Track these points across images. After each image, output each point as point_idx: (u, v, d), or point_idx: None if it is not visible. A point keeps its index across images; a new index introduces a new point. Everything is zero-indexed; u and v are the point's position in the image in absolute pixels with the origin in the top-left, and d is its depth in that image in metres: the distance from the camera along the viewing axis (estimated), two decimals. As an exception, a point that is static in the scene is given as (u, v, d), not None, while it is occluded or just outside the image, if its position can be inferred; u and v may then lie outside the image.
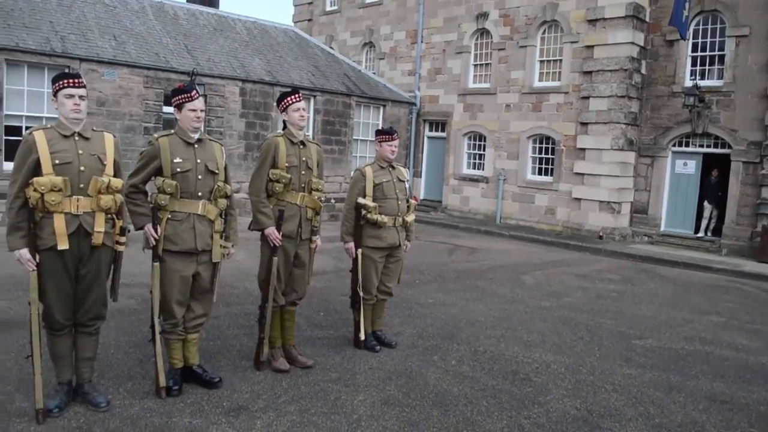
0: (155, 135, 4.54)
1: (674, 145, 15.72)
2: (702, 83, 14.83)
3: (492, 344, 6.44)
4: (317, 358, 5.53)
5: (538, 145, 17.61)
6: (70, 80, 4.00)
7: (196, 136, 4.55)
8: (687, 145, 15.60)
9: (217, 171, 4.60)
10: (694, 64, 15.37)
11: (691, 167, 15.53)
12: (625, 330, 7.41)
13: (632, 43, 15.42)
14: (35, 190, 3.85)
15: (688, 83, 15.08)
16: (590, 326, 7.47)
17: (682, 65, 15.41)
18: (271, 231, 4.99)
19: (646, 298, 9.53)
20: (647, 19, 15.77)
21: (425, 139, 20.68)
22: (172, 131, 4.56)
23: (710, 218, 15.41)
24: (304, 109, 5.17)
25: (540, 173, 17.60)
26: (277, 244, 5.03)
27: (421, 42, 20.32)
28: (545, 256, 13.36)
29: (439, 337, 6.54)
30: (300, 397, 4.73)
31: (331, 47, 22.14)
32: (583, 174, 16.33)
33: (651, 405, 5.07)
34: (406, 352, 5.95)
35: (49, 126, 4.07)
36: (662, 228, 15.98)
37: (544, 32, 17.35)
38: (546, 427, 4.49)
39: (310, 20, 24.41)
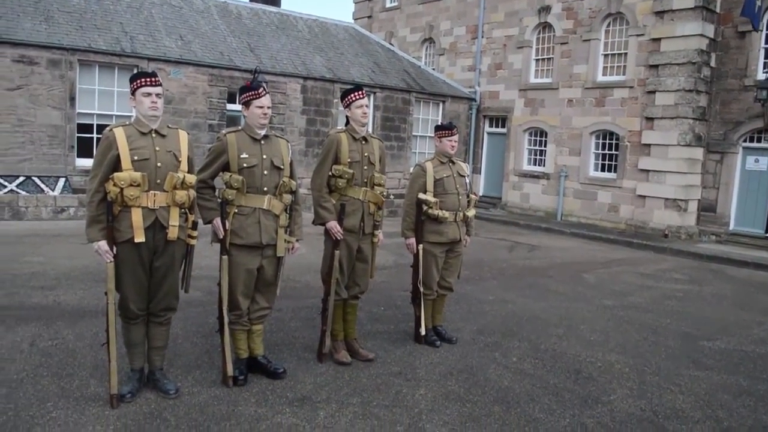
0: (223, 131, 4.66)
1: (745, 141, 15.15)
2: (775, 76, 14.25)
3: (554, 342, 6.37)
4: (378, 352, 5.58)
5: (601, 141, 17.25)
6: (147, 79, 4.15)
7: (263, 132, 4.65)
8: (759, 140, 14.99)
9: (282, 167, 4.68)
10: (767, 56, 14.76)
11: (763, 164, 14.93)
12: (691, 331, 7.21)
13: (701, 35, 14.91)
14: (115, 184, 4.01)
15: (761, 76, 14.51)
16: (655, 326, 7.30)
17: (754, 58, 14.82)
18: (333, 225, 5.06)
19: (714, 299, 9.24)
20: (717, 10, 15.22)
21: (485, 135, 20.52)
22: (240, 128, 4.68)
23: (783, 217, 14.81)
24: (366, 106, 5.22)
25: (603, 170, 17.23)
26: (339, 238, 5.09)
27: (482, 37, 20.16)
28: (608, 254, 13.09)
29: (499, 334, 6.51)
30: (362, 389, 4.79)
31: (390, 44, 22.20)
32: (648, 170, 15.91)
33: (719, 408, 4.93)
34: (467, 348, 5.95)
35: (127, 123, 4.23)
36: (731, 227, 15.44)
37: (608, 25, 16.97)
38: (610, 427, 4.42)
39: (370, 17, 24.52)
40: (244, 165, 4.52)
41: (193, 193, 4.30)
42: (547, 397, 4.90)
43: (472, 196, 6.13)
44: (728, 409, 4.91)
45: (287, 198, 4.73)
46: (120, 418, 4.03)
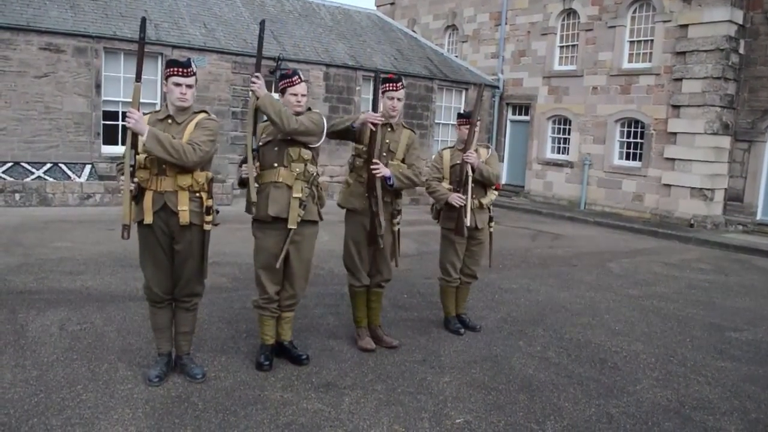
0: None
1: (774, 129, 14.91)
2: (807, 63, 13.96)
3: (578, 331, 6.33)
4: (402, 339, 5.59)
5: (626, 129, 17.06)
6: (180, 69, 4.17)
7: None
8: (788, 129, 14.75)
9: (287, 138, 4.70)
10: (798, 43, 14.48)
11: (792, 153, 14.68)
12: (718, 321, 7.13)
13: (730, 21, 14.63)
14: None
15: (792, 63, 14.24)
16: (681, 316, 7.23)
17: (784, 44, 14.54)
18: (368, 115, 4.91)
19: (741, 289, 9.12)
20: (747, -4, 14.95)
21: (508, 122, 20.37)
22: None
23: (812, 207, 14.55)
24: (399, 99, 5.16)
25: (627, 158, 17.05)
26: (378, 122, 4.94)
27: (505, 24, 19.97)
28: (632, 243, 12.97)
29: (523, 323, 6.49)
30: (386, 376, 4.81)
31: (413, 31, 22.08)
32: (674, 159, 15.71)
33: (747, 399, 4.87)
34: (491, 337, 5.94)
35: (156, 111, 4.36)
36: (758, 216, 15.19)
37: (634, 11, 16.73)
38: (636, 417, 4.40)
39: (392, 4, 24.39)
40: (261, 143, 4.61)
41: (202, 177, 4.25)
42: (572, 386, 4.88)
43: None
44: (756, 401, 4.86)
45: (298, 167, 4.61)
46: (148, 402, 4.09)
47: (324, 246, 9.18)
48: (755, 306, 8.04)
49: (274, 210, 4.57)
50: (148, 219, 4.17)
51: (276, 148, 4.61)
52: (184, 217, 4.22)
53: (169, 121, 4.24)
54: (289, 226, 4.61)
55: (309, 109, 4.71)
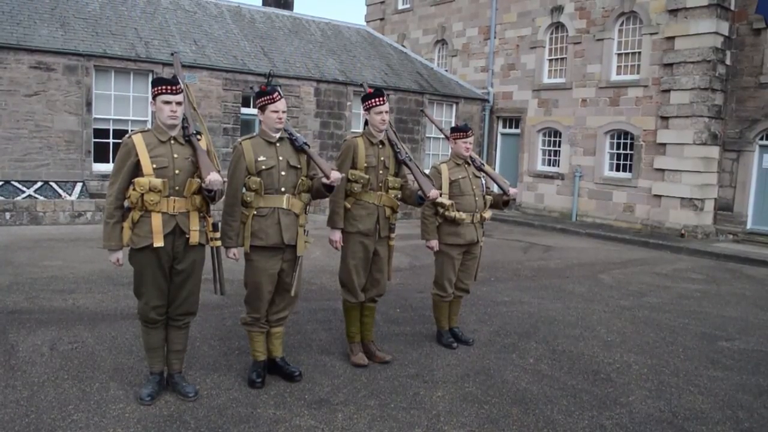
0: (238, 140, 4.68)
1: (762, 139, 15.00)
2: (792, 73, 14.10)
3: (571, 343, 6.34)
4: (395, 354, 5.59)
5: (615, 141, 17.16)
6: (168, 87, 4.13)
7: (278, 135, 4.67)
8: (776, 138, 14.88)
9: (299, 166, 4.68)
10: (783, 53, 14.63)
11: (780, 162, 14.81)
12: (710, 331, 7.15)
13: (716, 32, 14.79)
14: (134, 189, 4.06)
15: (777, 74, 14.38)
16: (673, 327, 7.25)
17: (770, 55, 14.70)
18: (338, 238, 5.15)
19: (732, 298, 9.16)
20: (732, 8, 15.09)
21: (498, 135, 20.46)
22: (255, 134, 4.71)
23: (802, 215, 14.64)
24: (386, 112, 5.14)
25: (618, 169, 17.14)
26: (338, 249, 5.24)
27: (494, 38, 20.12)
28: (624, 254, 13.02)
29: (516, 336, 6.49)
30: (379, 391, 4.80)
31: (403, 46, 22.20)
32: (663, 170, 15.81)
33: (740, 409, 4.89)
34: (484, 350, 5.94)
35: (147, 129, 4.27)
36: (748, 226, 15.28)
37: (621, 24, 16.89)
38: (629, 428, 4.40)
39: (382, 19, 24.55)
40: (263, 167, 4.54)
41: (199, 198, 4.29)
42: (565, 398, 4.89)
43: (488, 197, 6.09)
44: (748, 410, 4.87)
45: (306, 197, 4.75)
46: (140, 421, 4.07)
47: (316, 261, 9.21)
48: (747, 315, 8.07)
49: (287, 237, 4.60)
50: (159, 242, 4.13)
51: (283, 173, 4.60)
52: (195, 237, 4.24)
53: (172, 142, 4.22)
54: (299, 254, 4.73)
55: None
